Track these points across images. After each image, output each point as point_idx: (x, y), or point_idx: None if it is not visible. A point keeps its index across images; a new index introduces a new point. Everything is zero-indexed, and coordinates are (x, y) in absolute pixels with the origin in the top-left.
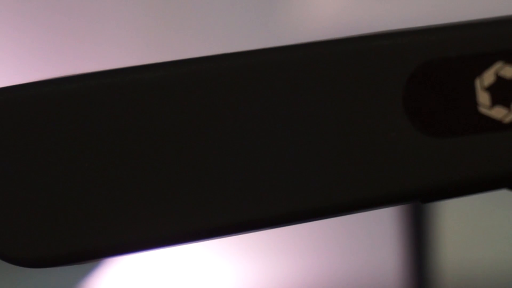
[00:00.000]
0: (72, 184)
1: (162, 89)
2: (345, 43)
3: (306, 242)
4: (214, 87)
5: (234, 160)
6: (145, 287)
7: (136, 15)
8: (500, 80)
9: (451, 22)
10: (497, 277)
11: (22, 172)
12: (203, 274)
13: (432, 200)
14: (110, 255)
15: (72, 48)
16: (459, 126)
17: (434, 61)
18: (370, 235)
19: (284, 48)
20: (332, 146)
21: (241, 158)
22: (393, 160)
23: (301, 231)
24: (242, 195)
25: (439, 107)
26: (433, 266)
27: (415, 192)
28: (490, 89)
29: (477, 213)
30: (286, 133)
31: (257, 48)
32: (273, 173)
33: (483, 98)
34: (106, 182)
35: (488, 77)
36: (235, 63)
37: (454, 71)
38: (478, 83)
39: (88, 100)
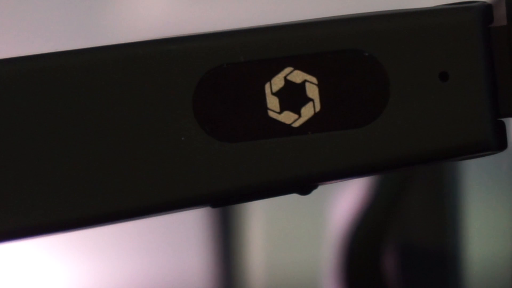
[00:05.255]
0: None
1: None
2: (138, 47)
3: (119, 245)
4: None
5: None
6: None
7: None
8: (289, 85)
9: (246, 27)
10: (301, 279)
11: None
12: (32, 273)
13: (222, 204)
14: None
15: None
16: (249, 131)
17: (223, 66)
18: (180, 238)
19: (78, 51)
20: (120, 150)
21: (33, 162)
22: (182, 164)
23: (113, 234)
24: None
25: (229, 112)
26: (239, 268)
27: (204, 198)
28: (280, 94)
29: (283, 217)
30: (76, 136)
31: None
32: (59, 176)
33: (273, 103)
34: None
35: (277, 82)
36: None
37: (244, 76)
38: (267, 88)
39: None
